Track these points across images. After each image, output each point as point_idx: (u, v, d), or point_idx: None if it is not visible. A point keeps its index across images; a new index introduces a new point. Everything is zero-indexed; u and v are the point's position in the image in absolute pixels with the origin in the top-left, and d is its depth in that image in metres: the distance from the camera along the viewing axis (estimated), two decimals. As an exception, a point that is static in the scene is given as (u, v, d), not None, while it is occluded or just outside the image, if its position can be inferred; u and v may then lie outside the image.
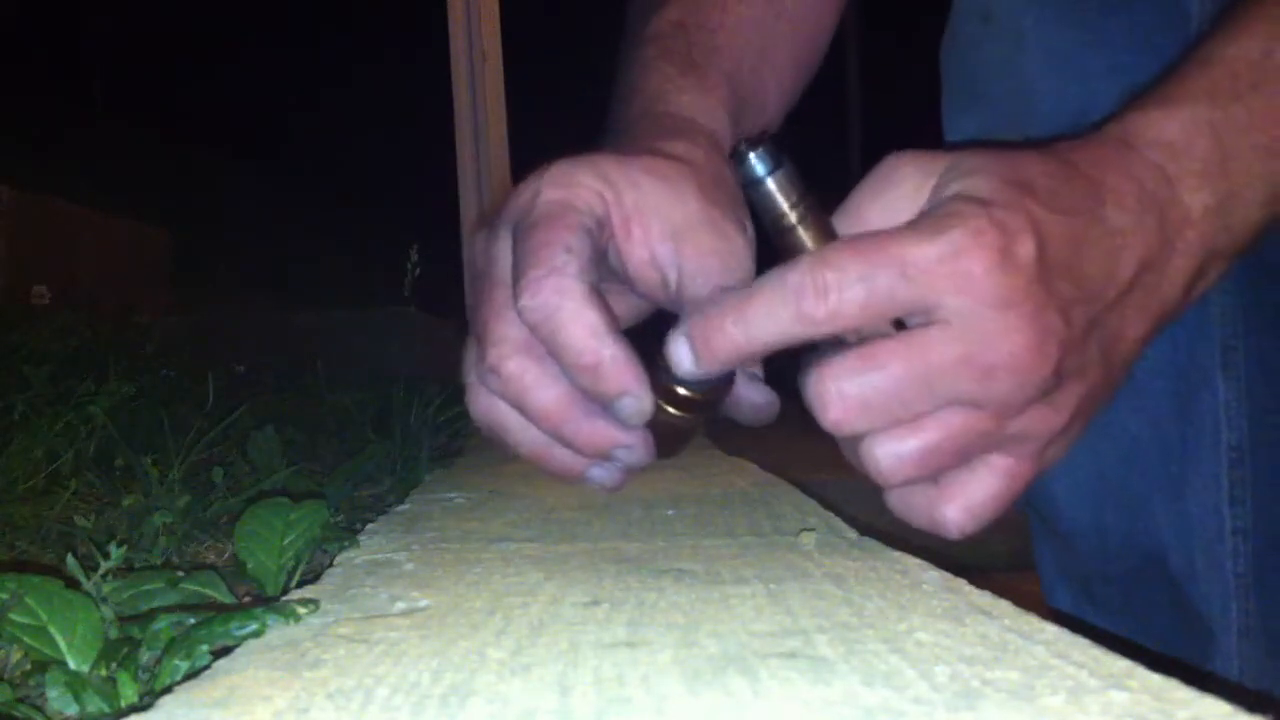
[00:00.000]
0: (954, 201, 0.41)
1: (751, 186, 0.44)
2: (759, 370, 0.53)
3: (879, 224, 0.44)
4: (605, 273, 0.52)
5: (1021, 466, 0.44)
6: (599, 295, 0.47)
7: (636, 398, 0.47)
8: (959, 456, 0.43)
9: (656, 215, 0.49)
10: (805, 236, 0.43)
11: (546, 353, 0.48)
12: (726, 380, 0.50)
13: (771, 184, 0.43)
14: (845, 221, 0.45)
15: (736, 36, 0.64)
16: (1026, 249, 0.40)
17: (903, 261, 0.40)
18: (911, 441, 0.42)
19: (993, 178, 0.42)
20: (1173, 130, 0.45)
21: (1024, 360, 0.40)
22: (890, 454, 0.43)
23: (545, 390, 0.48)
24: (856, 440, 0.43)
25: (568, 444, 0.50)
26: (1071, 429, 0.45)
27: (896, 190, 0.44)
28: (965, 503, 0.44)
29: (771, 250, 0.45)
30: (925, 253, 0.40)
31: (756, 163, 0.43)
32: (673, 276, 0.50)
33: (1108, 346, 0.44)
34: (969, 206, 0.41)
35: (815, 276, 0.40)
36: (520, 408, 0.49)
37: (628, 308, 0.55)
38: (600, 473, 0.51)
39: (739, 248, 0.50)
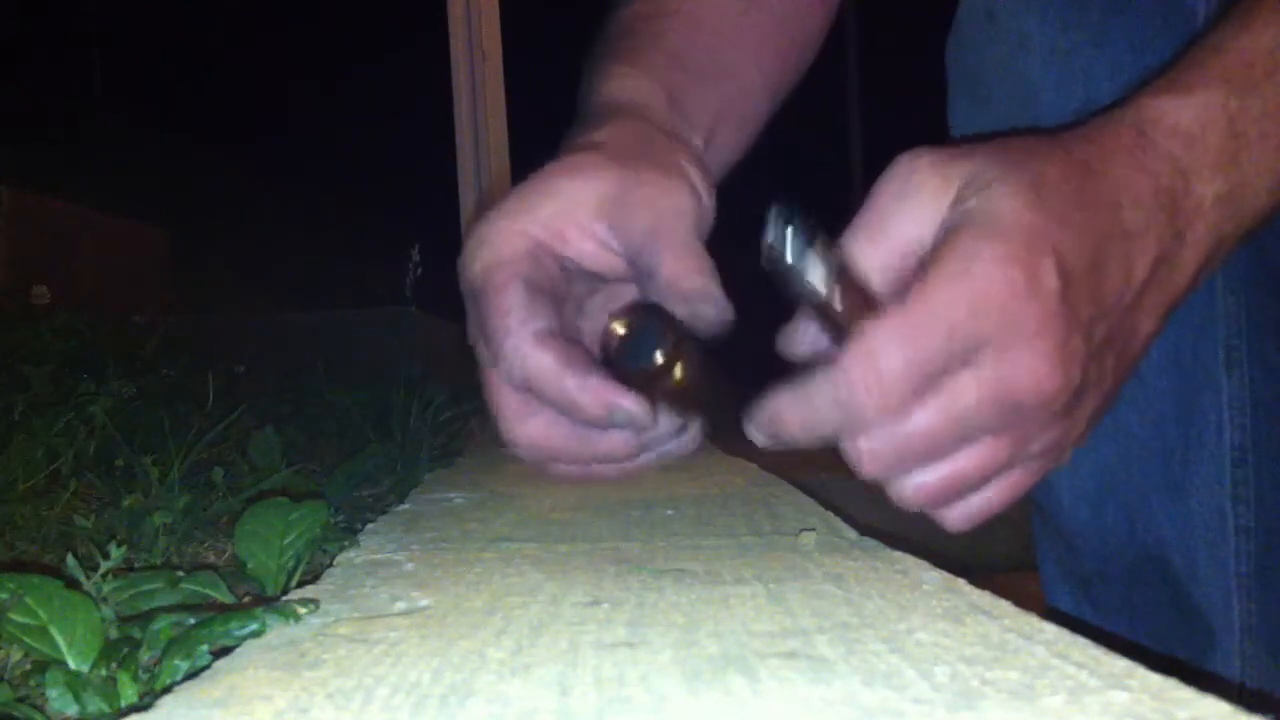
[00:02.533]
0: (974, 236, 0.41)
1: (780, 270, 0.42)
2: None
3: (906, 237, 0.44)
4: (589, 282, 0.52)
5: (1027, 475, 0.45)
6: (549, 335, 0.47)
7: (624, 410, 0.47)
8: (980, 481, 0.44)
9: (580, 207, 0.49)
10: (842, 313, 0.42)
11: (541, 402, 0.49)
12: (677, 340, 0.48)
13: (805, 268, 0.41)
14: (869, 235, 0.44)
15: (690, 17, 0.64)
16: (1050, 277, 0.40)
17: (946, 326, 0.39)
18: (936, 473, 0.42)
19: (1013, 197, 0.41)
20: (1188, 118, 0.45)
21: (1049, 388, 0.40)
22: (915, 486, 0.43)
23: (561, 436, 0.49)
24: None
25: (612, 461, 0.51)
26: (1083, 436, 0.45)
27: (917, 198, 0.44)
28: (966, 510, 0.45)
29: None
30: (960, 308, 0.39)
31: (788, 251, 0.41)
32: (620, 248, 0.49)
33: (1122, 349, 0.44)
34: (991, 245, 0.40)
35: (866, 375, 0.40)
36: (556, 459, 0.51)
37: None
38: (668, 449, 0.51)
39: (672, 190, 0.50)
